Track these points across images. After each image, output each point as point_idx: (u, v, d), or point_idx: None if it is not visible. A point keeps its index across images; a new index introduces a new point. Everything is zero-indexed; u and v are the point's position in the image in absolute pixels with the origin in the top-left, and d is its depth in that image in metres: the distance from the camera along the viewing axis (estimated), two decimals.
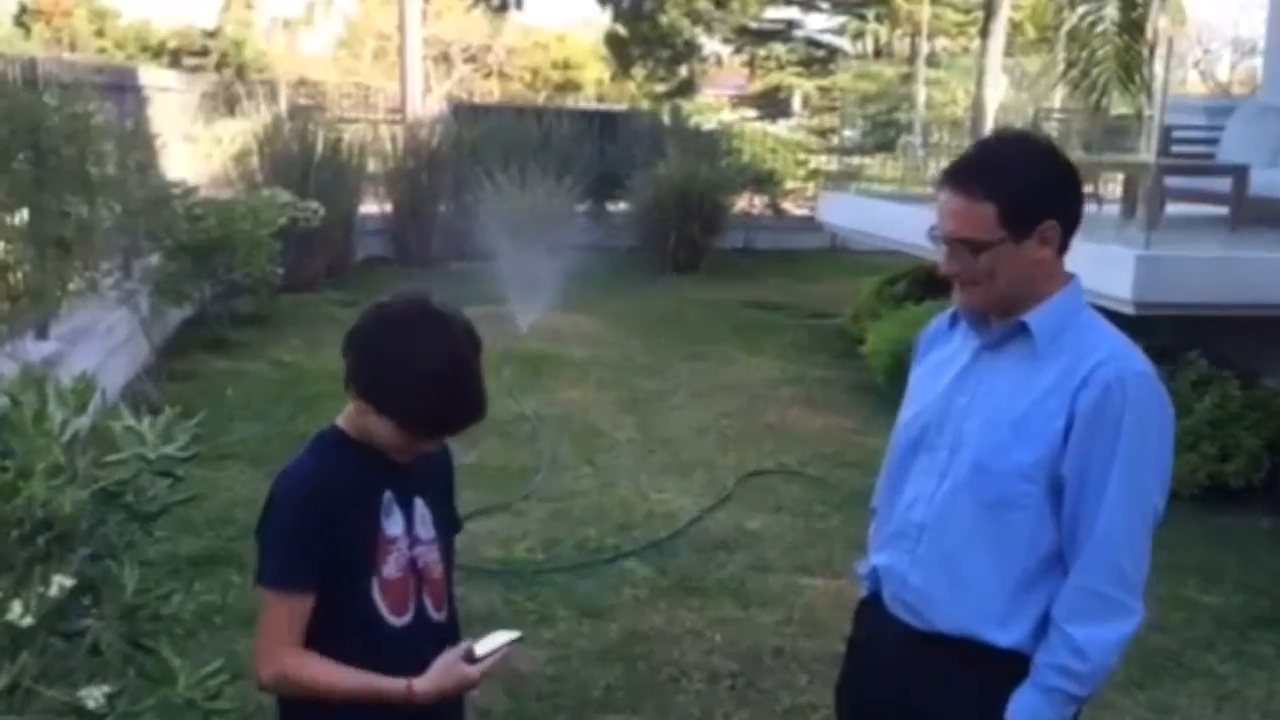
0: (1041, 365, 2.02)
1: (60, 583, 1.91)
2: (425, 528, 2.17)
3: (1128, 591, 1.99)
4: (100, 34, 34.48)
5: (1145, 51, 9.08)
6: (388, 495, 2.12)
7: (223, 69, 29.75)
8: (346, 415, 2.14)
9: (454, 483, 2.34)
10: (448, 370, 2.03)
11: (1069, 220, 2.05)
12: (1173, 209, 8.44)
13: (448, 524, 2.27)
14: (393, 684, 2.04)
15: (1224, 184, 7.96)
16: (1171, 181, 8.21)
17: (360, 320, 2.11)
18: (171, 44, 34.63)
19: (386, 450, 2.09)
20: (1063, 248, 2.06)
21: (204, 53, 34.10)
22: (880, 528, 2.26)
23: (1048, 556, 2.02)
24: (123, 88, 9.39)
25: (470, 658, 2.09)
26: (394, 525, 2.12)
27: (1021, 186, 2.00)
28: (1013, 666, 2.02)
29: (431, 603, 2.17)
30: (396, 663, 2.06)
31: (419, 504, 2.17)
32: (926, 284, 9.20)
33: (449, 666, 2.07)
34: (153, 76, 11.85)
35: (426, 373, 2.01)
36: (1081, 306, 2.09)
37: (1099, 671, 1.99)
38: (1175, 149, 8.83)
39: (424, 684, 2.04)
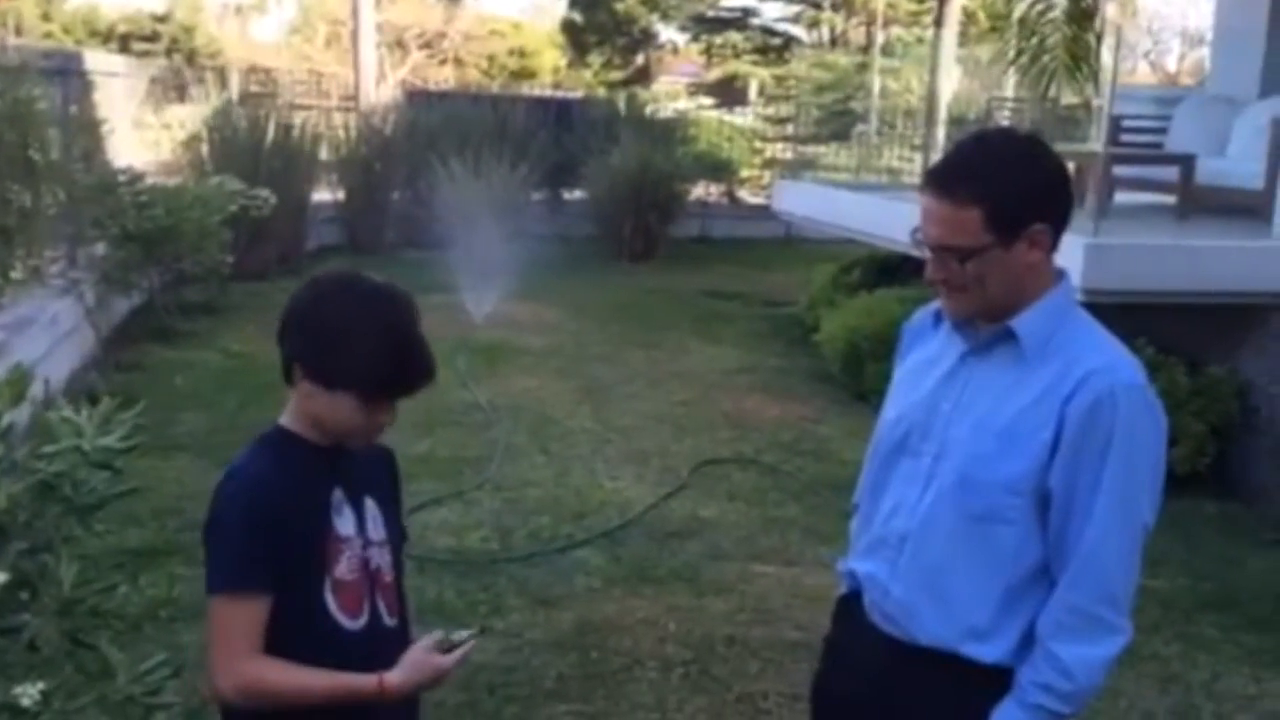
0: (1029, 372, 1.95)
1: None
2: (376, 528, 2.10)
3: (1115, 610, 1.93)
4: (47, 18, 33.88)
5: (1094, 40, 9.15)
6: (337, 493, 2.04)
7: (173, 54, 29.33)
8: (290, 411, 2.05)
9: (401, 491, 2.26)
10: (395, 329, 1.99)
11: (1059, 221, 1.97)
12: (1121, 197, 8.52)
13: (398, 529, 2.20)
14: (364, 680, 1.97)
15: (1171, 173, 8.06)
16: (1120, 170, 8.28)
17: (294, 301, 2.05)
18: (120, 29, 34.09)
19: (343, 432, 2.02)
20: (1053, 247, 1.99)
21: (154, 38, 33.60)
22: (861, 531, 2.19)
23: (1033, 570, 1.96)
24: (68, 72, 9.22)
25: (443, 648, 2.04)
26: (345, 524, 2.04)
27: (1008, 190, 1.92)
28: (995, 681, 1.97)
29: (385, 607, 2.10)
30: (353, 668, 1.99)
31: (369, 503, 2.10)
32: (880, 272, 9.25)
33: (421, 658, 2.01)
34: (99, 61, 11.65)
35: (375, 334, 1.96)
36: (1071, 307, 2.02)
37: (1084, 691, 1.93)
38: (1124, 138, 8.91)
39: (395, 677, 1.98)
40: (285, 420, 2.06)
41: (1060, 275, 2.02)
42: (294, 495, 1.99)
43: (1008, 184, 1.93)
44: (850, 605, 2.19)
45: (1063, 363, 1.93)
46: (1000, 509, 1.94)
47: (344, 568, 2.02)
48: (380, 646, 2.05)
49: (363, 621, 2.04)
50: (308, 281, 2.08)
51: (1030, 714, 1.93)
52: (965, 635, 1.98)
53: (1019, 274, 1.95)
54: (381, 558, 2.10)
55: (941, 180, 1.95)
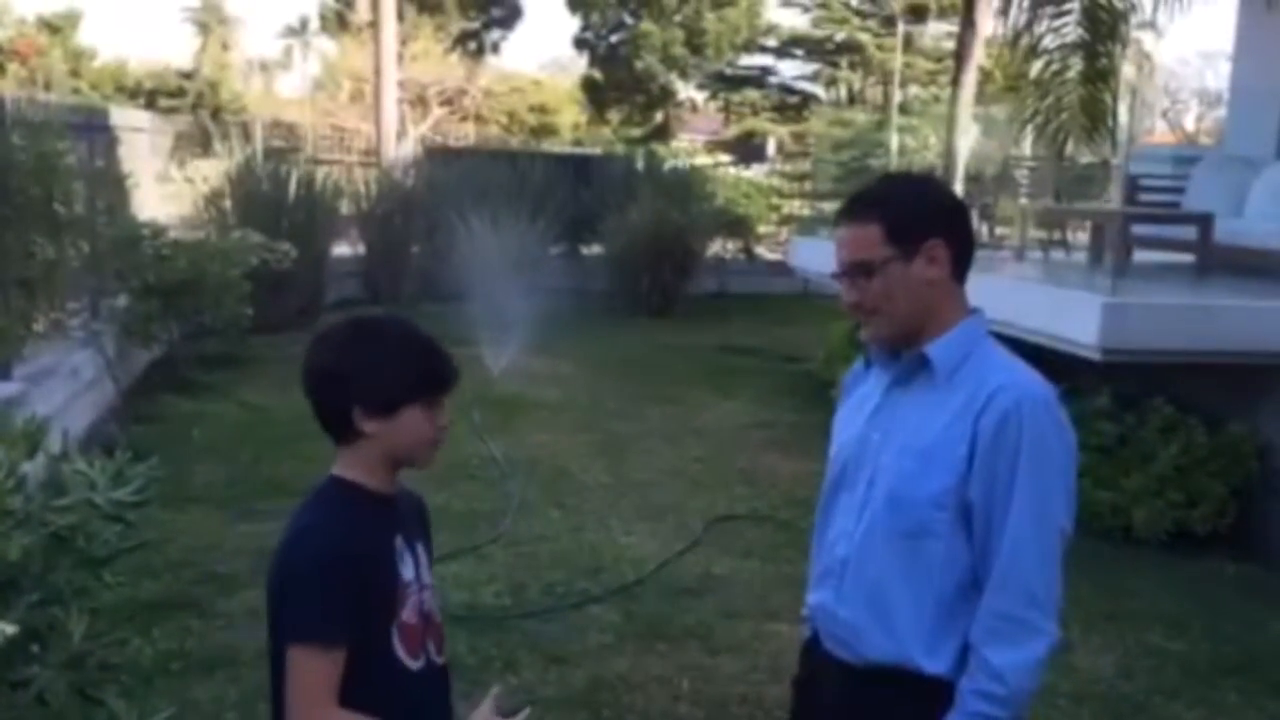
0: (945, 396, 2.08)
1: (2, 630, 1.87)
2: (425, 573, 2.18)
3: (1039, 612, 2.01)
4: (76, 74, 34.50)
5: (1110, 100, 9.19)
6: (398, 540, 2.11)
7: (198, 110, 29.76)
8: (346, 463, 2.10)
9: (431, 533, 2.34)
10: (413, 335, 2.11)
11: (956, 243, 2.11)
12: (1139, 256, 8.52)
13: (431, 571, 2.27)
14: None
15: (1189, 232, 8.05)
16: (1138, 229, 8.29)
17: (317, 360, 2.10)
18: (147, 85, 34.68)
19: (418, 447, 2.10)
20: (958, 274, 2.12)
21: (180, 93, 34.18)
22: (813, 567, 2.31)
23: (963, 582, 2.05)
24: (94, 128, 9.36)
25: (502, 711, 2.08)
26: (408, 570, 2.11)
27: (903, 206, 2.12)
28: (943, 695, 2.04)
29: (434, 647, 2.17)
30: (414, 708, 2.07)
31: (419, 549, 2.18)
32: None
33: (485, 717, 2.07)
34: (125, 117, 11.83)
35: (404, 345, 2.08)
36: (982, 338, 2.14)
37: (1018, 694, 2.00)
38: (1142, 197, 8.93)
39: None
40: (341, 471, 2.10)
41: (973, 311, 2.16)
42: (367, 544, 2.05)
43: (903, 201, 2.14)
44: (811, 644, 2.31)
45: (974, 384, 2.06)
46: (927, 523, 2.05)
47: (408, 612, 2.09)
48: (433, 684, 2.15)
49: (421, 662, 2.12)
50: (317, 342, 2.13)
51: None
52: (908, 648, 2.06)
53: (922, 290, 2.09)
54: (432, 600, 2.19)
55: (848, 209, 2.17)
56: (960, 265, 2.12)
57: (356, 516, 2.06)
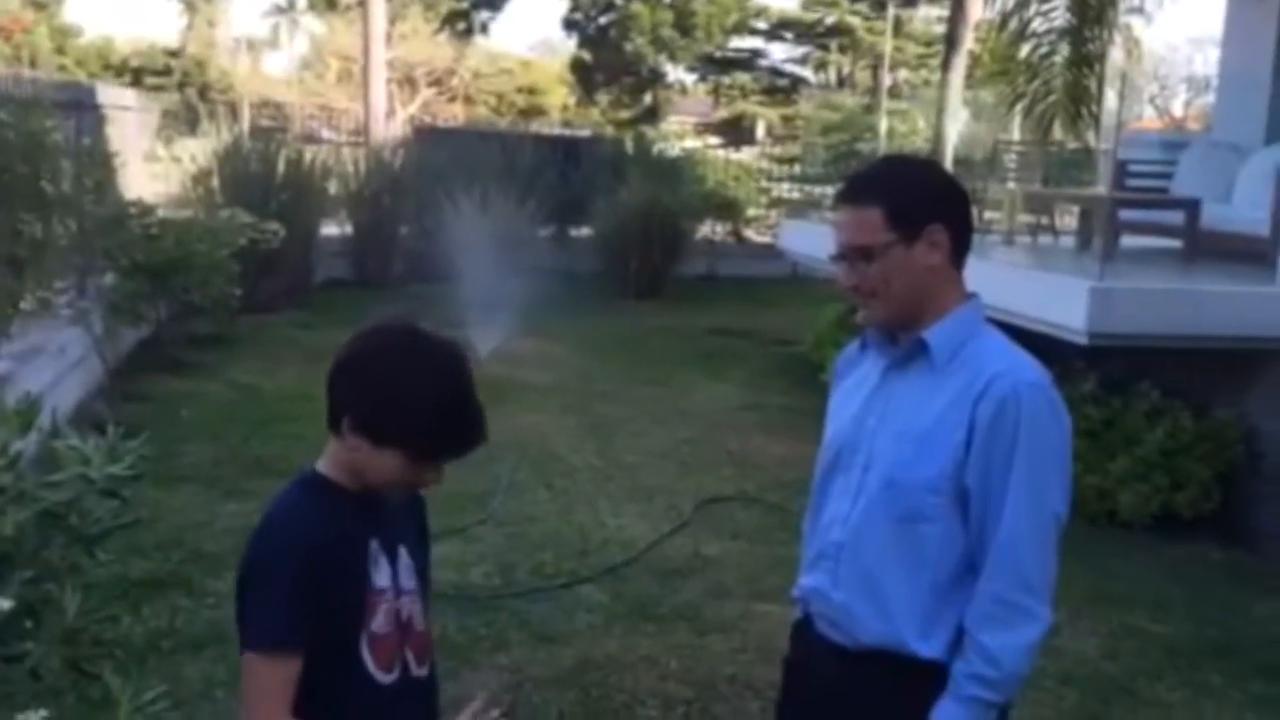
0: (942, 381, 2.08)
1: None
2: (408, 578, 2.03)
3: (1033, 597, 2.03)
4: (61, 52, 34.23)
5: (1094, 86, 9.20)
6: (374, 544, 1.97)
7: (185, 88, 29.60)
8: (330, 458, 1.97)
9: (429, 538, 2.21)
10: (451, 392, 1.92)
11: (956, 228, 2.11)
12: (1127, 241, 8.55)
13: (425, 573, 2.12)
14: None
15: (1177, 217, 8.08)
16: (1126, 214, 8.31)
17: (351, 350, 1.95)
18: (134, 63, 34.44)
19: (383, 486, 1.96)
20: (957, 260, 2.13)
21: (166, 72, 33.96)
22: (806, 550, 2.31)
23: (959, 567, 2.06)
24: (81, 105, 9.32)
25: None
26: (382, 576, 1.97)
27: (904, 190, 2.12)
28: (936, 679, 2.05)
29: (414, 658, 2.02)
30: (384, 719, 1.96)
31: (402, 552, 2.03)
32: None
33: None
34: (112, 95, 11.78)
35: (431, 395, 1.89)
36: (980, 323, 2.15)
37: (1012, 678, 2.03)
38: (1130, 183, 8.94)
39: None
40: (323, 467, 1.98)
41: (971, 296, 2.17)
42: (336, 549, 1.91)
43: (904, 186, 2.14)
44: (803, 626, 2.31)
45: (972, 370, 2.07)
46: (923, 508, 2.06)
47: (380, 621, 1.96)
48: (410, 698, 2.02)
49: (395, 675, 1.98)
50: (367, 330, 1.99)
51: (966, 707, 2.02)
52: (903, 632, 2.08)
53: (921, 275, 2.09)
54: (412, 607, 2.04)
55: (848, 191, 2.17)
56: (959, 250, 2.13)
57: (324, 515, 1.93)
